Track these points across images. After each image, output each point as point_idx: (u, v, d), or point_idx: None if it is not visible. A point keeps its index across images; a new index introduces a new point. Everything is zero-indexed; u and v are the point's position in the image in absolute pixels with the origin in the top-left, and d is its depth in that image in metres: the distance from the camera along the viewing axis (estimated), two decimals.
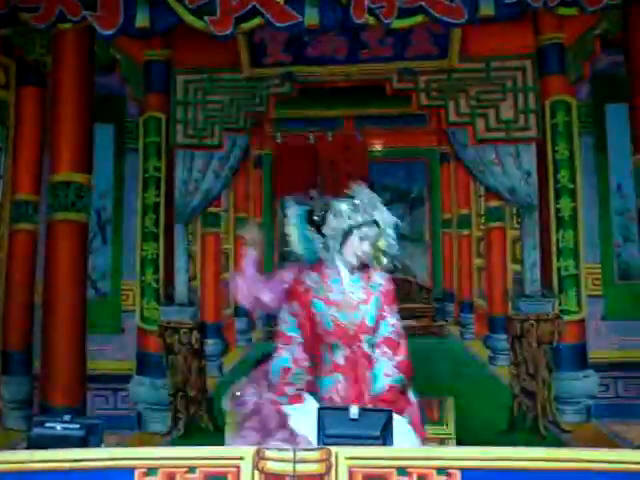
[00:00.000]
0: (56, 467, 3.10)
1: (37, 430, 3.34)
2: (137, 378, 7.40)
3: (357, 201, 4.35)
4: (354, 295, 4.24)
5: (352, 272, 4.28)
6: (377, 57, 7.80)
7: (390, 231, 4.29)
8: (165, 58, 7.83)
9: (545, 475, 2.99)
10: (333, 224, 4.34)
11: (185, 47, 7.68)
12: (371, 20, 5.71)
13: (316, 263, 4.40)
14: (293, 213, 4.58)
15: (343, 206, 4.36)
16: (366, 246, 4.24)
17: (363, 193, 4.37)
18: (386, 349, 4.18)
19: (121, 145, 7.91)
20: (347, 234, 4.27)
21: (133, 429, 7.17)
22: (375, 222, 4.27)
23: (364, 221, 4.26)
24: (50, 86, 7.29)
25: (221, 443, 6.85)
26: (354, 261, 4.25)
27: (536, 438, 6.85)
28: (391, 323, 4.24)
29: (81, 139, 7.05)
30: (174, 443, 7.11)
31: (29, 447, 3.31)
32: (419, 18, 5.73)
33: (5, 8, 5.79)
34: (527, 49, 7.43)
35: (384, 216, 4.30)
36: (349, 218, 4.30)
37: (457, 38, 7.45)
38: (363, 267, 4.29)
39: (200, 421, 7.35)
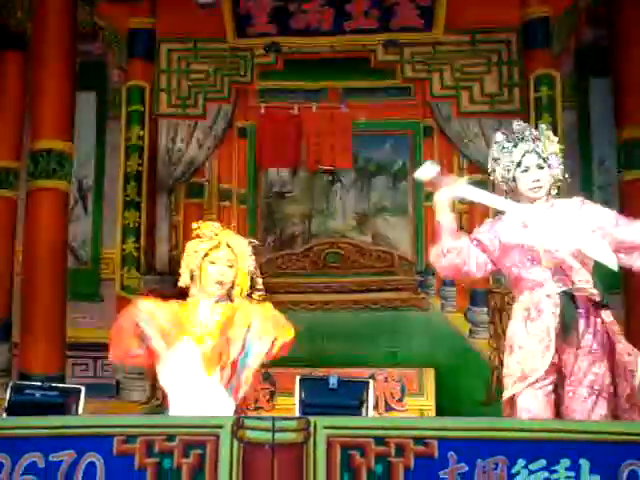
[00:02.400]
0: (35, 434, 3.10)
1: (16, 397, 3.34)
2: None
3: None
4: None
5: None
6: (362, 29, 7.79)
7: None
8: (149, 26, 7.78)
9: (520, 445, 3.01)
10: None
11: (170, 16, 7.64)
12: None
13: None
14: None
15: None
16: None
17: None
18: None
19: (103, 113, 7.86)
20: None
21: (112, 397, 7.18)
22: None
23: None
24: (32, 52, 7.23)
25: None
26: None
27: None
28: None
29: (63, 106, 7.01)
30: (152, 412, 7.11)
31: (8, 414, 3.31)
32: None
33: None
34: (512, 22, 7.44)
35: None
36: None
37: (442, 10, 7.45)
38: None
39: None
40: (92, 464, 3.03)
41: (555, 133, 7.18)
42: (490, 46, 7.51)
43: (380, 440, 3.06)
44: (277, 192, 8.01)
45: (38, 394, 3.32)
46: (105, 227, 7.68)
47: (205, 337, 4.19)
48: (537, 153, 4.23)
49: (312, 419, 3.11)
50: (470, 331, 7.38)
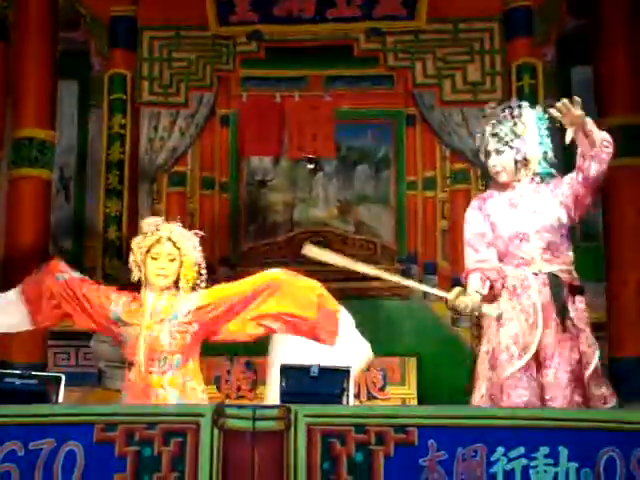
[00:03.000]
0: (14, 422, 3.10)
1: None
2: (98, 335, 7.35)
3: None
4: None
5: None
6: (345, 17, 7.78)
7: None
8: (131, 14, 7.73)
9: (499, 433, 3.03)
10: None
11: (151, 3, 7.62)
12: None
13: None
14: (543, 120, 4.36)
15: None
16: None
17: None
18: None
19: (85, 101, 7.83)
20: None
21: (94, 386, 7.16)
22: None
23: None
24: (13, 40, 7.19)
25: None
26: None
27: None
28: None
29: (45, 95, 6.99)
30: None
31: None
32: None
33: None
34: (494, 11, 7.46)
35: None
36: None
37: None
38: None
39: None
40: (72, 452, 3.03)
41: None
42: (472, 35, 7.52)
43: (360, 428, 3.08)
44: (259, 180, 8.01)
45: (18, 382, 3.31)
46: (87, 216, 7.66)
47: (150, 326, 4.24)
48: (498, 136, 4.25)
49: (293, 407, 3.12)
50: (452, 320, 7.40)
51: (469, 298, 4.21)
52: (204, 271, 4.54)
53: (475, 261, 4.25)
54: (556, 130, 4.25)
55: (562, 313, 4.09)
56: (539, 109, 4.36)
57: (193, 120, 7.78)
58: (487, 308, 4.21)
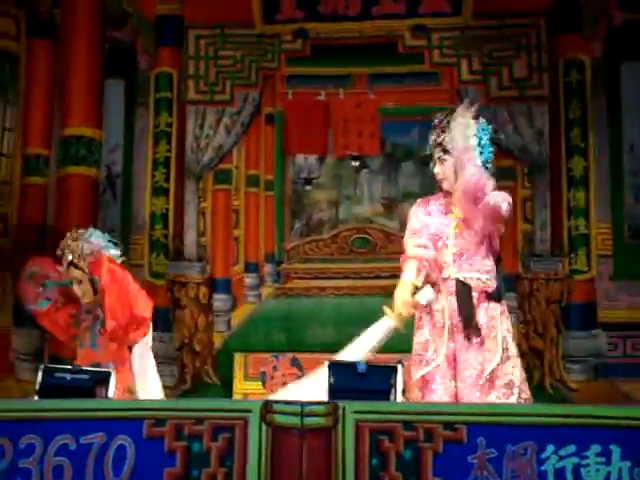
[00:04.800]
0: (65, 417, 3.13)
1: (47, 380, 3.37)
2: None
3: None
4: None
5: None
6: (390, 14, 7.76)
7: None
8: (177, 12, 7.78)
9: (550, 431, 3.00)
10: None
11: (198, 2, 7.65)
12: None
13: None
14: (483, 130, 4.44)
15: None
16: None
17: None
18: None
19: (132, 100, 7.88)
20: None
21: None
22: None
23: None
24: (61, 39, 7.26)
25: (227, 398, 6.95)
26: None
27: (543, 396, 6.88)
28: None
29: (92, 93, 7.06)
30: (181, 397, 7.16)
31: (39, 397, 3.34)
32: None
33: None
34: (542, 6, 7.37)
35: None
36: None
37: None
38: None
39: (206, 376, 7.40)
40: (122, 447, 3.05)
41: (584, 118, 7.23)
42: (519, 30, 7.44)
43: (409, 425, 3.06)
44: (304, 178, 8.01)
45: (69, 377, 3.35)
46: (134, 213, 7.72)
47: None
48: (439, 144, 4.32)
49: (341, 404, 3.11)
50: None
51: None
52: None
53: (414, 245, 4.31)
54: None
55: (465, 323, 4.16)
56: (482, 119, 4.38)
57: (238, 118, 7.80)
58: (418, 295, 4.25)
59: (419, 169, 7.91)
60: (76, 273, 4.72)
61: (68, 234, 4.95)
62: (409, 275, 4.26)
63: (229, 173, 7.85)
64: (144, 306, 4.65)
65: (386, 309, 4.25)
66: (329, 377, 3.42)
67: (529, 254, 7.33)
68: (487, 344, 4.21)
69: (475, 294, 4.22)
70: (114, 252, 4.89)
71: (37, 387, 3.34)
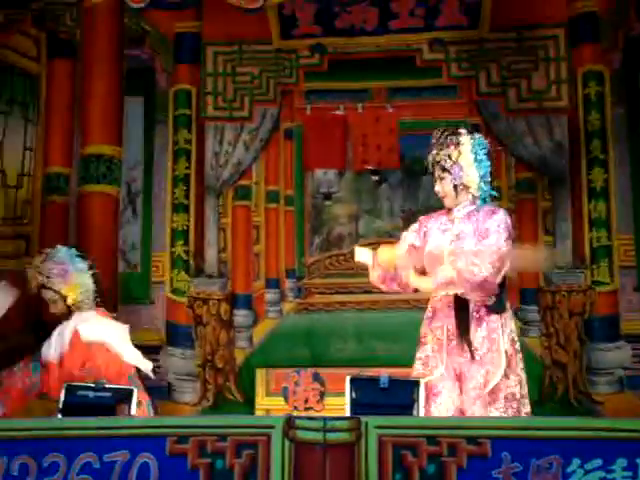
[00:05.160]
0: (89, 435, 3.14)
1: (69, 398, 3.38)
2: (167, 349, 7.45)
3: None
4: None
5: None
6: (407, 28, 7.75)
7: None
8: (195, 30, 7.81)
9: (576, 444, 2.98)
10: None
11: (215, 19, 7.66)
12: None
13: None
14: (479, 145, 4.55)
15: None
16: None
17: None
18: None
19: (151, 117, 7.91)
20: None
21: (164, 399, 7.23)
22: None
23: None
24: (81, 59, 7.32)
25: (250, 414, 6.94)
26: None
27: (567, 409, 6.84)
28: None
29: (111, 111, 7.09)
30: (203, 413, 7.17)
31: (62, 415, 3.35)
32: None
33: None
34: (560, 18, 7.33)
35: None
36: None
37: (488, 7, 7.40)
38: None
39: (228, 392, 7.40)
40: (146, 464, 3.06)
41: (604, 129, 7.21)
42: (537, 42, 7.41)
43: (432, 439, 3.05)
44: (324, 193, 8.01)
45: (91, 395, 3.36)
46: (154, 230, 7.73)
47: None
48: (438, 163, 4.44)
49: (363, 419, 3.10)
50: (521, 330, 7.30)
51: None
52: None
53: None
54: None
55: (459, 337, 4.26)
56: (477, 135, 4.52)
57: (257, 134, 7.81)
58: (358, 251, 4.57)
59: None
60: (49, 294, 4.93)
61: (36, 257, 5.12)
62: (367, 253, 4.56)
63: (249, 189, 7.86)
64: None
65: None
66: (351, 392, 3.41)
67: (551, 267, 7.29)
68: (489, 357, 4.24)
69: (474, 308, 4.29)
70: (81, 266, 5.03)
71: (60, 405, 3.36)
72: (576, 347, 7.07)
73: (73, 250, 5.18)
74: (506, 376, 4.26)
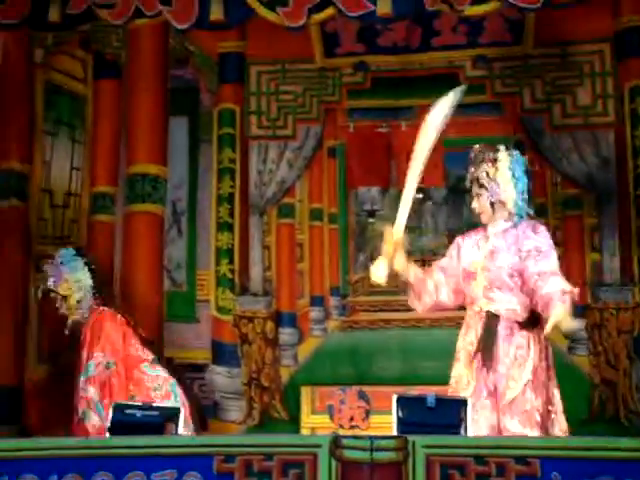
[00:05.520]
0: (137, 454, 3.15)
1: (117, 417, 3.40)
2: (213, 367, 7.46)
3: None
4: None
5: None
6: (450, 45, 7.73)
7: None
8: (239, 50, 7.86)
9: (627, 466, 2.93)
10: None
11: (258, 38, 7.69)
12: (444, 8, 5.65)
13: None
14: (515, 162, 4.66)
15: None
16: None
17: None
18: None
19: (195, 137, 7.96)
20: None
21: (209, 417, 7.25)
22: None
23: None
24: (126, 79, 7.40)
25: (295, 433, 6.93)
26: None
27: (617, 429, 6.74)
28: None
29: (156, 131, 7.15)
30: (249, 432, 7.17)
31: (110, 434, 3.37)
32: (493, 4, 5.65)
33: (84, 6, 5.88)
34: (605, 32, 7.22)
35: None
36: None
37: (531, 23, 7.34)
38: None
39: (274, 410, 7.39)
40: None
41: None
42: (582, 57, 7.34)
43: (480, 459, 3.02)
44: (367, 211, 8.01)
45: (139, 414, 3.38)
46: (199, 249, 7.77)
47: None
48: (476, 179, 4.51)
49: (410, 438, 3.09)
50: (569, 348, 7.23)
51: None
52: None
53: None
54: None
55: (483, 351, 4.37)
56: (515, 152, 4.65)
57: (301, 152, 7.83)
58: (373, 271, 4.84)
59: None
60: (54, 297, 5.51)
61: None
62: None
63: (293, 207, 7.87)
64: None
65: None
66: (397, 411, 3.39)
67: (598, 284, 7.21)
68: (512, 372, 4.24)
69: (505, 324, 4.32)
70: (74, 264, 5.56)
71: (108, 424, 3.38)
72: (625, 365, 6.96)
73: (70, 250, 5.62)
74: (532, 391, 4.26)
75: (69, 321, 5.59)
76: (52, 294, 5.51)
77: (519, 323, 4.42)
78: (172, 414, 3.38)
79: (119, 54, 7.39)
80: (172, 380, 5.46)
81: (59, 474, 3.08)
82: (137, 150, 7.18)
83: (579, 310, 7.20)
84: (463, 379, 4.45)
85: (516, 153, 4.64)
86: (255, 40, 7.75)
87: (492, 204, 4.57)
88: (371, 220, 7.97)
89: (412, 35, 7.74)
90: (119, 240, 7.23)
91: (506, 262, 4.46)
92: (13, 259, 6.78)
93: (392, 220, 7.91)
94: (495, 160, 4.59)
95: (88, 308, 5.59)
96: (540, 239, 4.47)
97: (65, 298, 5.51)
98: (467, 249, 4.66)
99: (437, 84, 7.78)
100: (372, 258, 7.84)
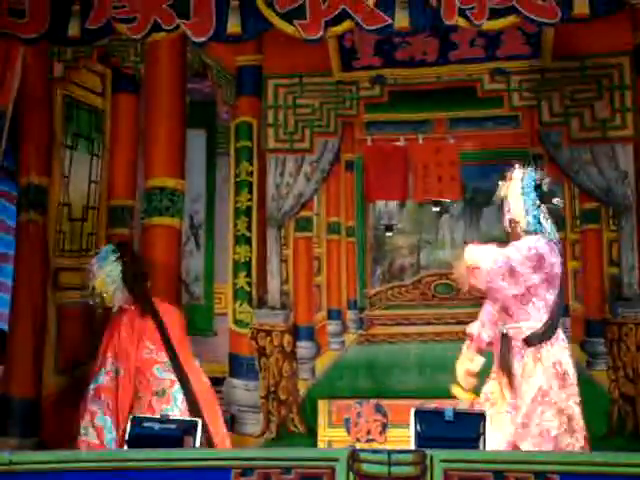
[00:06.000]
0: (153, 466, 3.15)
1: (135, 430, 3.40)
2: (230, 380, 7.46)
3: None
4: None
5: None
6: (468, 58, 7.73)
7: None
8: (256, 63, 7.89)
9: None
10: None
11: (276, 51, 7.71)
12: (462, 22, 5.63)
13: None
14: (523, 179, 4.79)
15: None
16: None
17: None
18: None
19: (213, 150, 7.99)
20: None
21: (227, 431, 7.24)
22: None
23: None
24: (144, 93, 7.43)
25: (312, 446, 6.92)
26: None
27: (636, 444, 6.68)
28: None
29: (174, 144, 7.18)
30: (266, 445, 7.16)
31: (128, 446, 3.37)
32: (511, 18, 5.63)
33: (103, 20, 5.92)
34: (624, 45, 7.21)
35: None
36: None
37: (550, 37, 7.33)
38: None
39: (291, 424, 7.38)
40: None
41: None
42: (601, 71, 7.32)
43: (499, 474, 3.01)
44: (385, 224, 8.00)
45: (157, 427, 3.38)
46: (217, 262, 7.79)
47: None
48: (502, 201, 4.91)
49: (428, 452, 3.07)
50: (587, 362, 7.19)
51: None
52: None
53: None
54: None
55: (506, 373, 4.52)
56: (528, 169, 4.82)
57: (318, 165, 7.84)
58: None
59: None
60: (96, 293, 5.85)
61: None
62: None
63: (310, 220, 7.87)
64: None
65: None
66: (415, 425, 3.38)
67: (617, 298, 7.17)
68: (520, 391, 4.29)
69: (516, 343, 4.56)
70: (105, 257, 5.89)
71: (126, 437, 3.38)
72: None
73: (109, 246, 6.01)
74: (543, 411, 4.28)
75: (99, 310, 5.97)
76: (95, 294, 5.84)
77: (524, 340, 4.50)
78: (190, 427, 3.38)
79: (137, 68, 7.43)
80: (178, 386, 5.51)
81: None
82: (155, 163, 7.21)
83: (597, 325, 7.20)
84: (492, 396, 4.52)
85: (529, 170, 4.72)
86: (272, 53, 7.78)
87: (510, 222, 4.70)
88: (389, 234, 7.96)
89: (429, 48, 7.75)
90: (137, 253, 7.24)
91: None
92: (32, 272, 6.80)
93: (410, 234, 7.96)
94: (510, 179, 4.72)
95: (124, 301, 5.84)
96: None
97: (100, 294, 5.79)
98: None
99: (455, 97, 7.80)
100: (390, 271, 7.86)
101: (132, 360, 5.58)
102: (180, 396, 5.51)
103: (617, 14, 5.80)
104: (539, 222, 4.69)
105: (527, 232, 4.70)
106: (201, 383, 5.80)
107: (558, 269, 4.70)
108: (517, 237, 4.71)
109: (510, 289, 4.51)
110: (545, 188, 4.85)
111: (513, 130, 7.83)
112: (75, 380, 6.52)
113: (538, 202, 4.71)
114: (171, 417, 3.48)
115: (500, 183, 4.89)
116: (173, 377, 5.57)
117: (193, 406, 5.48)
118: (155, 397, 5.49)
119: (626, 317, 7.07)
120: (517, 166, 4.79)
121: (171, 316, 5.96)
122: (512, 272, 4.48)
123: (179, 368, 5.63)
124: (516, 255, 4.53)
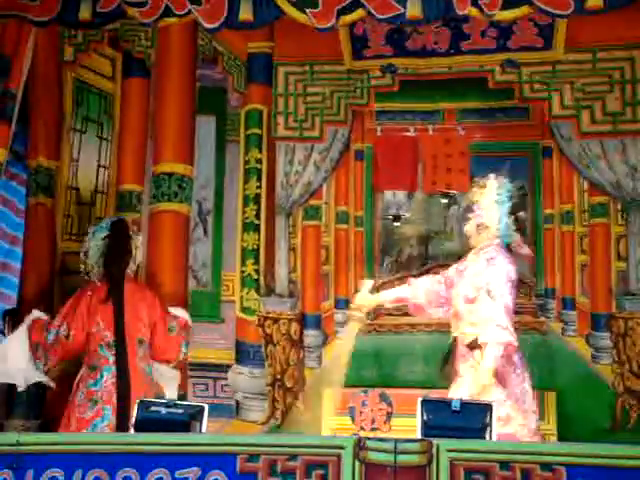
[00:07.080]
0: (160, 450, 3.15)
1: (143, 414, 3.40)
2: (236, 367, 7.48)
3: None
4: None
5: None
6: (479, 49, 7.69)
7: None
8: (267, 50, 7.87)
9: None
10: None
11: (287, 39, 7.70)
12: (474, 12, 5.60)
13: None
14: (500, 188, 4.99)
15: None
16: None
17: None
18: None
19: (222, 136, 7.98)
20: None
21: (232, 417, 7.26)
22: None
23: None
24: (154, 78, 7.42)
25: (316, 434, 6.92)
26: None
27: None
28: None
29: (183, 130, 7.15)
30: (271, 432, 7.17)
31: (135, 431, 3.38)
32: (524, 9, 5.59)
33: (114, 4, 5.90)
34: (637, 38, 7.19)
35: None
36: None
37: (562, 29, 7.29)
38: None
39: (296, 411, 7.40)
40: None
41: None
42: (612, 64, 7.29)
43: (505, 464, 3.01)
44: (393, 214, 8.00)
45: (164, 411, 3.38)
46: (225, 249, 7.79)
47: None
48: (467, 205, 5.07)
49: (435, 441, 3.08)
50: (592, 356, 7.19)
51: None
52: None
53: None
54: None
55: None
56: (504, 180, 4.98)
57: (328, 154, 7.82)
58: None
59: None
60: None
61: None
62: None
63: (319, 209, 7.87)
64: None
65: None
66: (422, 414, 3.38)
67: (624, 293, 7.17)
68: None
69: (462, 347, 4.90)
70: (93, 231, 6.00)
71: (133, 421, 3.39)
72: None
73: (109, 220, 6.15)
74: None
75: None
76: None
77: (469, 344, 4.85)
78: (197, 412, 3.39)
79: (148, 53, 7.42)
80: (107, 365, 5.59)
81: (84, 469, 3.10)
82: (164, 149, 7.19)
83: (602, 319, 7.20)
84: None
85: (505, 180, 5.00)
86: (283, 41, 7.77)
87: (478, 227, 4.80)
88: (397, 224, 7.96)
89: (441, 38, 7.72)
90: (144, 238, 7.24)
91: (465, 291, 4.91)
92: (39, 255, 6.82)
93: (418, 224, 7.95)
94: (483, 186, 4.95)
95: (98, 276, 5.88)
96: (492, 276, 4.77)
97: (85, 262, 5.92)
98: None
99: (466, 88, 7.78)
100: (397, 261, 7.86)
101: (83, 331, 5.72)
102: (106, 375, 5.56)
103: (629, 7, 5.76)
104: (508, 229, 4.96)
105: (497, 237, 4.92)
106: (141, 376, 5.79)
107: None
108: (481, 240, 4.94)
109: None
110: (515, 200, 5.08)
111: (523, 122, 7.82)
112: (79, 363, 6.52)
113: (509, 212, 4.99)
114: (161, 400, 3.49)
115: (474, 189, 5.07)
116: (111, 357, 5.61)
117: (121, 390, 5.52)
118: (87, 370, 5.63)
119: (633, 312, 7.07)
120: (492, 176, 5.02)
121: (143, 301, 5.97)
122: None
123: (120, 351, 5.66)
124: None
